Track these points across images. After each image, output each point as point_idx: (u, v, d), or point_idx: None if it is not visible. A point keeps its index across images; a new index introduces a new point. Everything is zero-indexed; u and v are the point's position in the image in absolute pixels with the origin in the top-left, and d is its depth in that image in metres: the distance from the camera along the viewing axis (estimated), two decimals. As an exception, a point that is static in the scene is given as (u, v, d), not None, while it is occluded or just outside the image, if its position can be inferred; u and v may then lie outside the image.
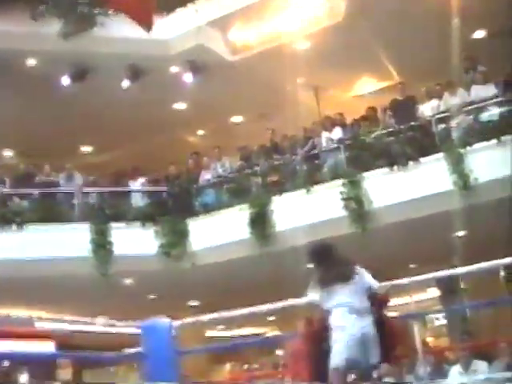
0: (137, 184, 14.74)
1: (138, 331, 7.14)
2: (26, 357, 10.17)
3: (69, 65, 13.80)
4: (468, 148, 11.28)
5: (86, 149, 17.75)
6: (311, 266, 5.51)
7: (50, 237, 12.69)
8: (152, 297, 15.34)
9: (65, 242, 12.62)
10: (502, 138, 10.95)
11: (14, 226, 12.86)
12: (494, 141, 11.06)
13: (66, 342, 14.74)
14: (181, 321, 7.33)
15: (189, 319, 7.68)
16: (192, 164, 15.12)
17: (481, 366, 8.07)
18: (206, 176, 14.34)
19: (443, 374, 8.16)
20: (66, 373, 19.72)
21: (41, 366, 18.60)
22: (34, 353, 9.65)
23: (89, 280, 12.63)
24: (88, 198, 14.58)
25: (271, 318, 20.85)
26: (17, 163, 15.88)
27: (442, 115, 12.16)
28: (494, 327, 13.77)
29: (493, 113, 11.62)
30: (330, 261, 5.42)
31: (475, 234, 12.84)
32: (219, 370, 22.33)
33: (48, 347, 15.44)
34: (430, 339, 18.14)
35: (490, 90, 11.81)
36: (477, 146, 11.26)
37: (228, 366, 23.60)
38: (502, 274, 16.25)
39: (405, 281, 6.39)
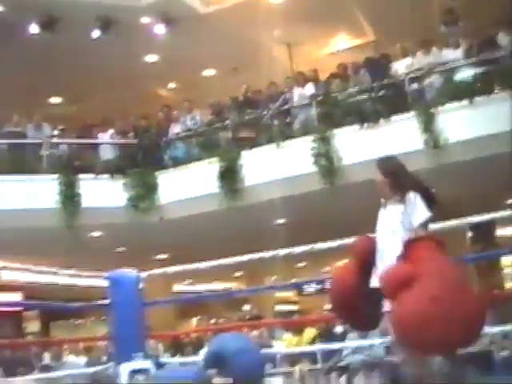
0: (106, 136, 14.55)
1: (105, 283, 7.14)
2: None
3: (38, 13, 13.46)
4: (440, 108, 11.27)
5: (55, 100, 17.47)
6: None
7: (17, 188, 12.52)
8: (120, 250, 15.31)
9: (33, 194, 12.45)
10: (475, 99, 10.96)
11: (-20, 177, 12.66)
12: (466, 101, 11.06)
13: (33, 294, 14.72)
14: (148, 272, 7.33)
15: (156, 271, 7.68)
16: (162, 117, 14.99)
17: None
18: (175, 129, 14.21)
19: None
20: (33, 326, 19.76)
21: (8, 319, 18.60)
22: (1, 302, 9.55)
23: (57, 232, 12.53)
24: (56, 149, 14.39)
25: (238, 274, 21.01)
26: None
27: (416, 74, 12.11)
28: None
29: (466, 73, 11.60)
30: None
31: (443, 194, 12.92)
32: (186, 324, 22.50)
33: (15, 298, 15.36)
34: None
35: (463, 50, 11.78)
36: (449, 105, 11.26)
37: (194, 321, 23.80)
38: (469, 235, 16.48)
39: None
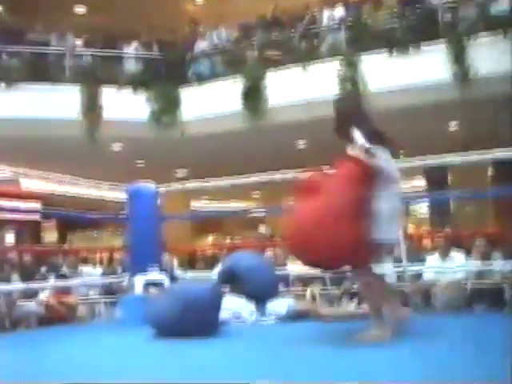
0: (130, 48, 14.41)
1: (124, 196, 7.18)
2: (12, 211, 10.21)
3: None
4: (472, 39, 11.04)
5: (80, 9, 17.24)
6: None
7: (39, 97, 12.49)
8: (140, 164, 15.36)
9: (54, 103, 12.43)
10: (509, 32, 10.69)
11: (2, 85, 12.62)
12: (500, 35, 10.81)
13: (52, 204, 14.85)
14: (166, 187, 7.36)
15: (175, 185, 7.71)
16: (188, 32, 14.78)
17: (458, 256, 8.17)
18: (201, 45, 14.03)
19: (421, 261, 8.27)
20: (51, 236, 20.04)
21: (26, 228, 18.87)
22: (20, 208, 9.67)
23: (77, 143, 12.57)
24: (80, 59, 14.29)
25: (256, 195, 21.07)
26: (6, 19, 15.40)
27: (450, 3, 11.82)
28: (476, 222, 13.97)
29: (503, 6, 11.28)
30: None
31: (469, 128, 12.80)
32: (202, 241, 22.72)
33: (34, 206, 15.51)
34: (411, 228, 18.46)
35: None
36: (481, 38, 11.01)
37: (210, 238, 24.05)
38: (490, 172, 16.37)
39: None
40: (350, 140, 4.51)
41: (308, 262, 4.58)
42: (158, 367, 3.71)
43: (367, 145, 4.40)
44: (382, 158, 4.52)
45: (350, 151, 4.53)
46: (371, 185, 4.31)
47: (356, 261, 4.31)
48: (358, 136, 4.43)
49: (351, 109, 4.83)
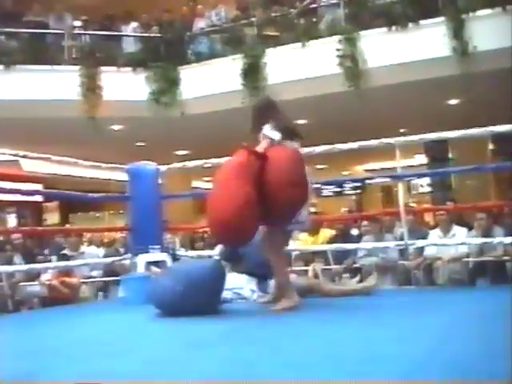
0: (129, 29, 14.36)
1: (125, 177, 7.19)
2: (14, 193, 10.23)
3: None
4: (471, 14, 11.00)
5: (78, -11, 17.17)
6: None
7: (38, 78, 12.52)
8: (140, 144, 15.36)
9: (54, 85, 12.45)
10: (508, 6, 10.64)
11: (1, 67, 12.60)
12: (499, 9, 10.77)
13: (53, 186, 14.88)
14: (167, 166, 7.36)
15: (175, 165, 7.71)
16: (187, 11, 14.73)
17: (460, 231, 8.19)
18: (200, 24, 13.99)
19: (423, 237, 8.29)
20: (52, 217, 20.09)
21: (28, 210, 18.93)
22: (21, 190, 9.67)
23: (77, 124, 12.57)
24: (78, 40, 14.25)
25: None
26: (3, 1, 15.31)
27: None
28: (478, 196, 13.97)
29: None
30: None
31: (469, 103, 12.79)
32: (203, 221, 22.73)
33: (35, 188, 15.54)
34: (413, 205, 18.47)
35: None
36: (480, 12, 10.96)
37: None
38: (491, 147, 16.36)
39: (391, 140, 6.35)
40: (260, 133, 4.95)
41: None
42: (162, 345, 3.73)
43: (273, 136, 4.86)
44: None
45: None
46: (260, 170, 4.72)
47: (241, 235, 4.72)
48: (267, 129, 4.89)
49: (265, 107, 5.24)
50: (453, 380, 2.46)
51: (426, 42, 11.21)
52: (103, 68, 13.03)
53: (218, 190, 4.85)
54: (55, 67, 12.89)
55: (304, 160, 5.02)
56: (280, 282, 4.99)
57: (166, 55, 13.46)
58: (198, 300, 4.72)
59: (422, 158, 16.77)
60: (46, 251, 10.52)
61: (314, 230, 8.75)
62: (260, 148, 4.85)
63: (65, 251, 9.50)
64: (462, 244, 7.65)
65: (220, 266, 5.07)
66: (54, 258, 9.45)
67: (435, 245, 7.80)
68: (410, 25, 11.54)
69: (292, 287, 4.94)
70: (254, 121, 5.18)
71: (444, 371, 2.60)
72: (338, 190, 24.42)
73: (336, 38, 11.74)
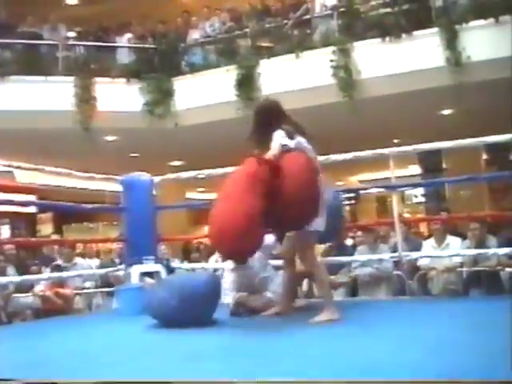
0: (123, 40, 14.38)
1: (119, 188, 7.18)
2: (7, 204, 10.21)
3: None
4: (464, 25, 11.05)
5: (72, 1, 17.16)
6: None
7: (32, 89, 12.51)
8: (134, 155, 15.34)
9: (48, 95, 12.45)
10: (501, 17, 10.71)
11: (-5, 77, 12.60)
12: (492, 20, 10.82)
13: (47, 197, 14.86)
14: (161, 177, 7.36)
15: (169, 175, 7.70)
16: (181, 22, 14.76)
17: (454, 241, 8.20)
18: (194, 35, 14.02)
19: (417, 247, 8.30)
20: (46, 228, 20.01)
21: (22, 221, 18.86)
22: (15, 201, 9.65)
23: (71, 135, 12.55)
24: (72, 51, 14.25)
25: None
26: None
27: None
28: (471, 206, 14.00)
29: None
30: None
31: (462, 114, 12.82)
32: (198, 232, 22.70)
33: (29, 199, 15.51)
34: (407, 215, 18.50)
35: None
36: (473, 23, 11.02)
37: (206, 228, 24.04)
38: (484, 157, 16.41)
39: (385, 151, 6.36)
40: (269, 138, 4.74)
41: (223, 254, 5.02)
42: (157, 356, 3.72)
43: (286, 143, 4.71)
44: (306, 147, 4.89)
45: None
46: (272, 180, 4.53)
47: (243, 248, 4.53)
48: (278, 135, 4.72)
49: (271, 110, 5.00)
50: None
51: (420, 52, 11.25)
52: (97, 79, 13.02)
53: (223, 201, 4.64)
54: (49, 78, 12.86)
55: (319, 168, 4.92)
56: (323, 294, 4.87)
57: (160, 66, 13.48)
58: (192, 313, 4.71)
59: (415, 169, 16.79)
60: (39, 262, 10.49)
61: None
62: (271, 156, 4.65)
63: (58, 262, 9.48)
64: (456, 255, 7.64)
65: (215, 278, 5.06)
66: (46, 269, 9.43)
67: (429, 256, 7.81)
68: (404, 35, 11.57)
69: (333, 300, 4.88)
70: (258, 126, 4.95)
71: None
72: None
73: (330, 48, 11.76)
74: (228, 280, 5.63)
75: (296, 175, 4.58)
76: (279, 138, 4.70)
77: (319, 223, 4.80)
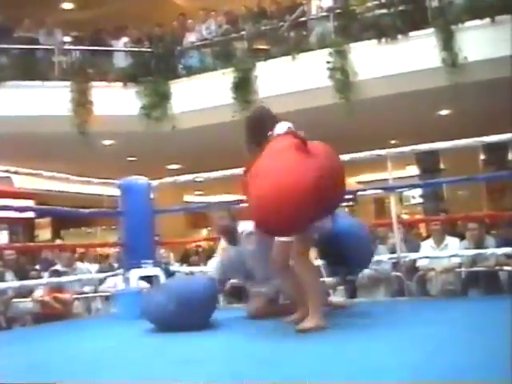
0: (120, 43, 14.38)
1: (117, 192, 7.17)
2: (5, 209, 10.20)
3: None
4: (460, 25, 11.06)
5: (67, 5, 17.15)
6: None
7: (29, 94, 12.52)
8: (131, 158, 15.33)
9: (44, 100, 12.47)
10: (497, 17, 10.72)
11: (-9, 83, 12.60)
12: (488, 20, 10.83)
13: (45, 202, 14.84)
14: (159, 180, 7.35)
15: (167, 179, 7.69)
16: (177, 25, 14.76)
17: (452, 241, 8.20)
18: (190, 38, 14.02)
19: (416, 248, 8.29)
20: (45, 234, 20.00)
21: (20, 226, 18.83)
22: (13, 206, 9.64)
23: (68, 139, 12.56)
24: (69, 55, 14.25)
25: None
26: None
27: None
28: (470, 207, 14.01)
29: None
30: None
31: (459, 114, 12.83)
32: (196, 235, 22.72)
33: (27, 204, 15.49)
34: (405, 216, 18.49)
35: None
36: (469, 23, 11.03)
37: (205, 231, 24.05)
38: (482, 157, 16.42)
39: (383, 152, 6.36)
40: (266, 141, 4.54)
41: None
42: (155, 360, 3.72)
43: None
44: None
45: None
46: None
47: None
48: (280, 126, 4.58)
49: (263, 117, 4.89)
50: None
51: (416, 53, 11.26)
52: (94, 83, 13.04)
53: (271, 177, 4.11)
54: (46, 83, 12.88)
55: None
56: (313, 297, 4.39)
57: (156, 69, 13.50)
58: (189, 318, 4.70)
59: (413, 169, 16.78)
60: (38, 267, 10.47)
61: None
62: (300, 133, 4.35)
63: (56, 267, 9.45)
64: (454, 256, 7.64)
65: (212, 283, 5.05)
66: (45, 273, 9.41)
67: (428, 257, 7.81)
68: (400, 36, 11.59)
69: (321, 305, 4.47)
70: (251, 132, 4.81)
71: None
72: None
73: (326, 50, 11.77)
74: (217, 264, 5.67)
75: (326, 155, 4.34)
76: (287, 124, 4.57)
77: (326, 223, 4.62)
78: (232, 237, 5.41)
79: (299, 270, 4.43)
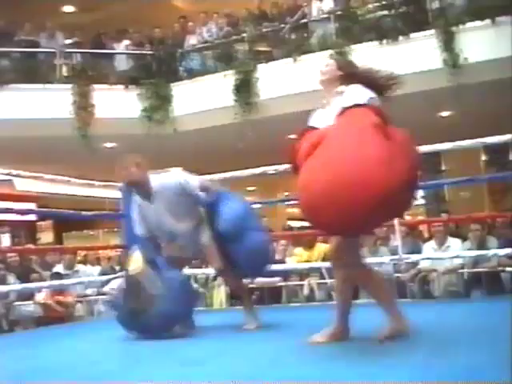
0: (121, 46, 14.39)
1: (118, 194, 7.16)
2: (7, 212, 10.22)
3: None
4: (461, 26, 11.06)
5: (69, 8, 17.16)
6: None
7: (30, 97, 12.53)
8: (133, 161, 15.29)
9: (46, 103, 12.48)
10: (497, 18, 10.72)
11: (-7, 86, 12.60)
12: (488, 21, 10.84)
13: (47, 205, 14.85)
14: (161, 182, 7.32)
15: (168, 181, 7.67)
16: (178, 28, 14.78)
17: (454, 242, 8.20)
18: (191, 41, 14.04)
19: (418, 250, 8.29)
20: (46, 236, 20.01)
21: (22, 229, 18.86)
22: (15, 209, 9.65)
23: (70, 142, 12.55)
24: (70, 59, 14.26)
25: (251, 188, 21.05)
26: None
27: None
28: (471, 207, 14.01)
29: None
30: None
31: (460, 115, 12.82)
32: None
33: (29, 207, 15.50)
34: (407, 217, 18.44)
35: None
36: (470, 24, 11.03)
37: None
38: (483, 158, 16.41)
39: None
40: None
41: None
42: (155, 362, 3.72)
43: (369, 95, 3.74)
44: None
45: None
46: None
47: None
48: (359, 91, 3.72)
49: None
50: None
51: (417, 54, 11.25)
52: (95, 86, 13.05)
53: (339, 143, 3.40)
54: (47, 86, 12.91)
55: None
56: (383, 300, 3.83)
57: (157, 72, 13.51)
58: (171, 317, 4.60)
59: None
60: (40, 269, 10.48)
61: (309, 245, 8.73)
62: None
63: (58, 270, 9.46)
64: (456, 257, 7.64)
65: (187, 282, 4.99)
66: (47, 276, 9.42)
67: (430, 258, 7.81)
68: (401, 38, 11.59)
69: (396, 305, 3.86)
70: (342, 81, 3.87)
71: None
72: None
73: (327, 52, 11.74)
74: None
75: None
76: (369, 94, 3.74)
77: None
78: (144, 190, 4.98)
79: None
